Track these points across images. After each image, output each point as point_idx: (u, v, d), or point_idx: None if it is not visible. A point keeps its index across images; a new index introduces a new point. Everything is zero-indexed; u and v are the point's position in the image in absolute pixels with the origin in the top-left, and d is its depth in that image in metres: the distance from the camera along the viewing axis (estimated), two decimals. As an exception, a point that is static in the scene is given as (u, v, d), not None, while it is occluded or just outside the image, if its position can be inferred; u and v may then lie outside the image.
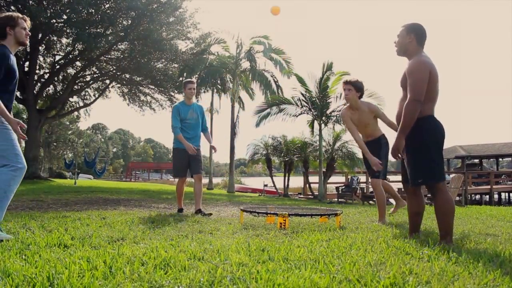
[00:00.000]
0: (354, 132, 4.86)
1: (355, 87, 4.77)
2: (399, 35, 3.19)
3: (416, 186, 3.15)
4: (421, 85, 2.93)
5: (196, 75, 19.48)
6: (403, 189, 3.45)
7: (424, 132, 3.00)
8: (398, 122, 3.20)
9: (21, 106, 27.55)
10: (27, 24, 3.36)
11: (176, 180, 6.06)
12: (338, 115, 16.00)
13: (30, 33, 3.43)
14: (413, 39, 3.10)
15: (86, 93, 23.37)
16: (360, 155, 17.13)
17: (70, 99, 22.48)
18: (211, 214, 5.63)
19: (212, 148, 6.11)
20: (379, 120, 4.98)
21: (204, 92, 21.37)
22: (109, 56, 20.12)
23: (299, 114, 16.68)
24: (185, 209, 6.02)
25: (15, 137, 3.15)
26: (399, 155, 3.11)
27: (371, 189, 17.75)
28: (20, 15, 3.34)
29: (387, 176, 15.53)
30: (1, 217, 3.10)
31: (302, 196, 19.20)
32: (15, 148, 3.13)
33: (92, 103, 23.22)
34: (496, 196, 25.43)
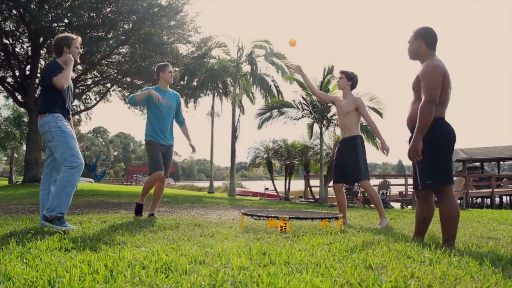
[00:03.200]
0: (314, 90, 5.72)
1: (346, 76, 5.13)
2: (409, 41, 3.22)
3: (425, 188, 3.11)
4: (436, 87, 2.93)
5: (197, 79, 19.52)
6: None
7: (435, 134, 2.97)
8: (409, 125, 3.18)
9: (22, 109, 27.62)
10: (79, 43, 4.02)
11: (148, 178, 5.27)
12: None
13: (81, 52, 4.13)
14: (421, 43, 3.13)
15: (87, 97, 23.42)
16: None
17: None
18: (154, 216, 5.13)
19: (191, 147, 5.48)
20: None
21: (205, 95, 21.40)
22: (110, 60, 20.17)
23: (300, 118, 16.68)
24: (147, 210, 5.46)
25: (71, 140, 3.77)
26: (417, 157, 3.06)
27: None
28: (74, 36, 4.01)
29: (389, 180, 15.57)
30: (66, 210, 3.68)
31: (303, 199, 19.15)
32: (71, 149, 3.71)
33: (93, 106, 23.27)
34: (497, 199, 25.38)
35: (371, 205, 14.66)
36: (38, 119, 3.82)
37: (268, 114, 17.23)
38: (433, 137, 2.97)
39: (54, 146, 3.72)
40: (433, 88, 2.93)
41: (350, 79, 5.12)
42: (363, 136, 5.14)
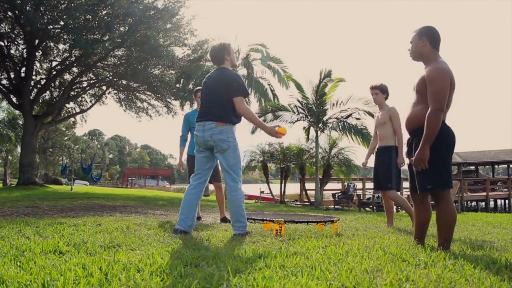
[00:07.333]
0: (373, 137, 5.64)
1: (381, 90, 5.27)
2: (412, 41, 3.10)
3: (424, 192, 3.07)
4: (444, 94, 2.84)
5: (193, 82, 19.52)
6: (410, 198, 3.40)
7: (437, 138, 2.87)
8: (408, 126, 3.13)
9: (17, 112, 27.50)
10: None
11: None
12: (334, 122, 16.03)
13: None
14: (426, 42, 3.01)
15: (83, 99, 23.36)
16: (356, 162, 17.19)
17: (67, 105, 22.46)
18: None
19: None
20: None
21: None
22: (106, 62, 20.14)
23: (296, 121, 16.68)
24: (203, 217, 6.11)
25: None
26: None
27: (367, 196, 17.78)
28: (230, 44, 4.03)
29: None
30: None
31: (298, 202, 19.16)
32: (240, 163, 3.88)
33: (88, 109, 23.20)
34: (492, 203, 25.51)
35: (367, 209, 14.73)
36: (210, 122, 3.71)
37: (261, 118, 17.20)
38: (435, 141, 2.88)
39: (226, 155, 3.75)
40: (441, 95, 2.84)
41: (384, 92, 5.30)
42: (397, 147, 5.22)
